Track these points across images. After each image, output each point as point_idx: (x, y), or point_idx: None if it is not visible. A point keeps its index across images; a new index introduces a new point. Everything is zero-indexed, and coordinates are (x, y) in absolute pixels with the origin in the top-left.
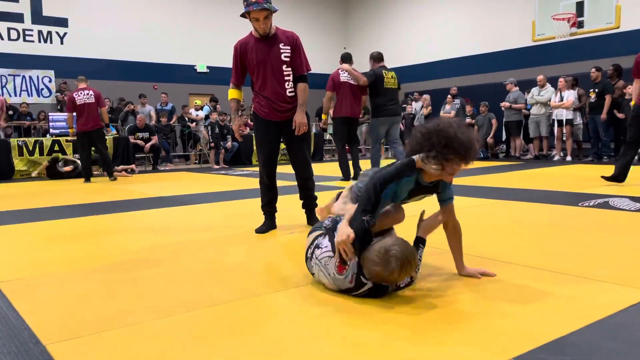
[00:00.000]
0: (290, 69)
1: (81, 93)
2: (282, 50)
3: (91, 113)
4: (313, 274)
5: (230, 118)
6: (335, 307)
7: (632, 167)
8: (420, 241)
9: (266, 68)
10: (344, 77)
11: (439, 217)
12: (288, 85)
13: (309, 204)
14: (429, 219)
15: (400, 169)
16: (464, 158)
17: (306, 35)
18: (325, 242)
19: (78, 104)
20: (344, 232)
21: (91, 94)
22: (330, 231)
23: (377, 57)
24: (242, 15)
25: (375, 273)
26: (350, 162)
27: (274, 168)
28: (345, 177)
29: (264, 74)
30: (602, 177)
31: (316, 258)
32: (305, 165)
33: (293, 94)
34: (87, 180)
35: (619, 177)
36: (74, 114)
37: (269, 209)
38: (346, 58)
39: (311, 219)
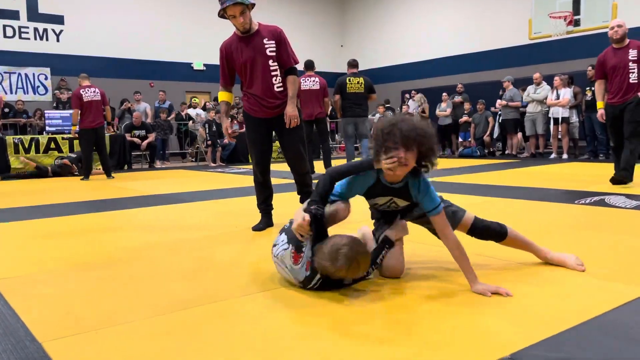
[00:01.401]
0: (276, 63)
1: (88, 90)
2: (266, 46)
3: (98, 110)
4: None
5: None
6: (331, 307)
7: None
8: (386, 242)
9: (252, 65)
10: (304, 86)
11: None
12: (276, 80)
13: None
14: (400, 222)
15: (358, 165)
16: (389, 143)
17: (303, 34)
18: (280, 237)
19: (85, 101)
20: (299, 215)
21: (97, 92)
22: (286, 229)
23: (350, 64)
24: (221, 16)
25: (322, 268)
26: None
27: (268, 166)
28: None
29: (251, 71)
30: (611, 181)
31: (274, 256)
32: (300, 160)
33: (281, 88)
34: (86, 177)
35: (626, 179)
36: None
37: (265, 206)
38: (309, 66)
39: None
